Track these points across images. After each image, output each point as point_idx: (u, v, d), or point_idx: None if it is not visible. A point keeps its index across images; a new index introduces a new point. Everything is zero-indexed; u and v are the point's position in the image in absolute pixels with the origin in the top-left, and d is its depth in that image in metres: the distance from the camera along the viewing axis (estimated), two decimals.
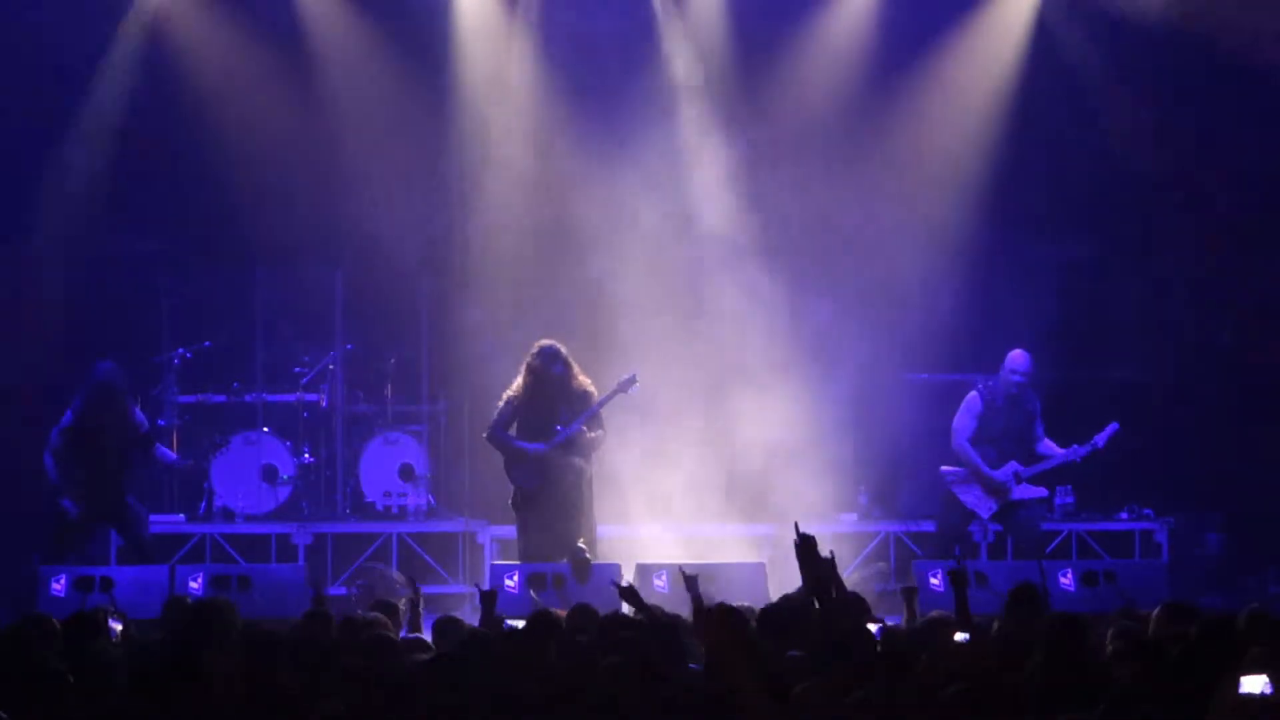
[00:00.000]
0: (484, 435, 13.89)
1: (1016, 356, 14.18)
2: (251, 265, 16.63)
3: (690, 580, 10.16)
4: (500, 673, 7.85)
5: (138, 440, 14.05)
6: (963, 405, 14.29)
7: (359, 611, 10.30)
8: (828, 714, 6.88)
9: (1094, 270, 16.80)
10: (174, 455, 14.84)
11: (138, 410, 14.20)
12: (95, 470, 13.86)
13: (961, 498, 14.37)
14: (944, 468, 14.40)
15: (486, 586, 11.17)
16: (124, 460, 13.99)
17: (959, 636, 8.40)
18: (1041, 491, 14.34)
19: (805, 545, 9.21)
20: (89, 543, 14.29)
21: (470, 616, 11.28)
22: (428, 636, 9.43)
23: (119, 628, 9.06)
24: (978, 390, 14.29)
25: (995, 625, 9.22)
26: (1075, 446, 14.14)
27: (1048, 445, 14.23)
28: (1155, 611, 8.99)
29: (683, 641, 8.54)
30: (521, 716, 7.26)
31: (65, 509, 13.81)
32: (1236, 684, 6.76)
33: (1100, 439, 14.10)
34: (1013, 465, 14.15)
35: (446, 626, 9.38)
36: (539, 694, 7.45)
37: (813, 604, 8.95)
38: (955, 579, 8.97)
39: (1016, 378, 14.10)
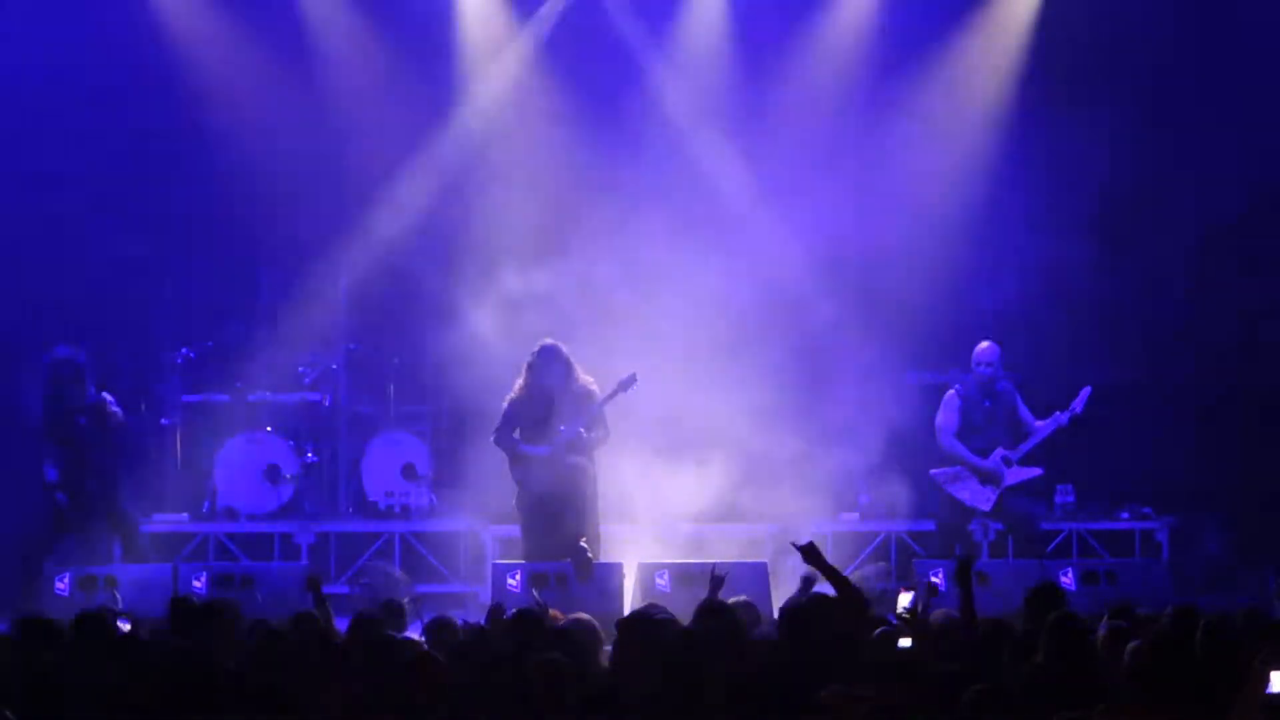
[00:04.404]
0: (490, 439, 13.91)
1: (983, 348, 14.55)
2: (255, 265, 16.67)
3: (717, 581, 10.21)
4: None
5: (113, 429, 14.08)
6: (942, 404, 14.62)
7: (361, 610, 10.32)
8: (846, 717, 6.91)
9: (1095, 270, 16.82)
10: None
11: (109, 400, 14.17)
12: (77, 463, 13.91)
13: (957, 496, 14.47)
14: (933, 471, 14.57)
15: (489, 586, 11.17)
16: (105, 451, 14.00)
17: (903, 643, 8.38)
18: (1036, 471, 14.49)
19: (811, 553, 9.27)
20: (90, 542, 14.31)
21: (474, 616, 11.31)
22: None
23: (127, 627, 9.09)
24: (954, 388, 14.63)
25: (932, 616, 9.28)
26: (1056, 414, 14.37)
27: (1036, 425, 14.45)
28: (1166, 613, 9.04)
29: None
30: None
31: (59, 501, 13.86)
32: (1265, 681, 6.70)
33: (1077, 404, 14.37)
34: (1000, 451, 14.37)
35: (439, 627, 9.39)
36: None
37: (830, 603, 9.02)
38: (961, 573, 8.98)
39: (982, 369, 14.41)
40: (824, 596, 9.41)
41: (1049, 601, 9.08)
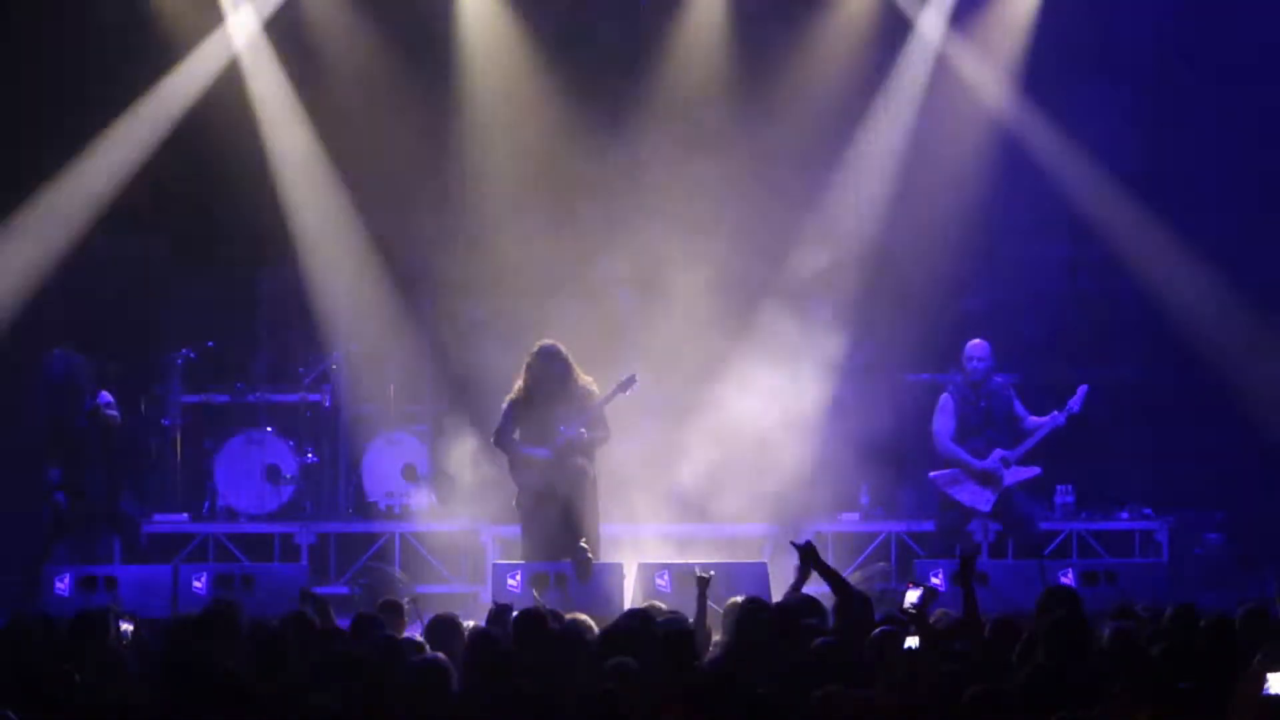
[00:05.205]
0: (490, 440, 13.91)
1: (972, 345, 14.56)
2: (255, 265, 16.67)
3: (703, 581, 10.22)
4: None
5: (112, 429, 14.10)
6: (937, 407, 14.61)
7: (362, 611, 10.33)
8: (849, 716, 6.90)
9: (1095, 270, 16.82)
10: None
11: (108, 400, 14.18)
12: (76, 463, 13.93)
13: (956, 497, 14.47)
14: (932, 474, 14.58)
15: (489, 586, 11.18)
16: (104, 452, 14.02)
17: (910, 643, 8.37)
18: (1035, 470, 14.49)
19: (808, 552, 9.31)
20: (90, 542, 14.32)
21: (474, 617, 11.31)
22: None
23: (129, 628, 9.09)
24: (948, 390, 14.61)
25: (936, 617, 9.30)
26: (1054, 413, 14.35)
27: (1033, 421, 14.43)
28: (1166, 613, 9.04)
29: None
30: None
31: (58, 501, 13.89)
32: (1261, 682, 6.68)
33: (1074, 403, 14.37)
34: (998, 452, 14.36)
35: (441, 626, 9.39)
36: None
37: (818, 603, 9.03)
38: (963, 572, 8.97)
39: (973, 365, 14.44)
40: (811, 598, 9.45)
41: (1063, 607, 9.05)
